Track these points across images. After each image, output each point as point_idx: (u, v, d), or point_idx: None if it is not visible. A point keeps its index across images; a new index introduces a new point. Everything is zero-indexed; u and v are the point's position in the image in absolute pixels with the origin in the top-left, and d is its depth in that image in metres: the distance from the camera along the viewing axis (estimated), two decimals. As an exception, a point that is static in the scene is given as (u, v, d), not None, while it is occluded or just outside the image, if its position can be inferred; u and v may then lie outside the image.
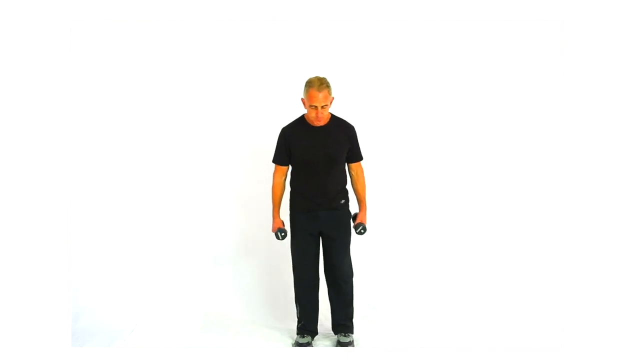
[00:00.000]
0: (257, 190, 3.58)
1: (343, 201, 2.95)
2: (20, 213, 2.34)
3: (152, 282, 3.30)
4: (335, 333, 2.97)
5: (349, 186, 3.00)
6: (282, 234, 2.98)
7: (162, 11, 3.27)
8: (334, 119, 2.92)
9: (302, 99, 2.87)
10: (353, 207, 3.03)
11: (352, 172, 3.00)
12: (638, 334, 2.40)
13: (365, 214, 3.00)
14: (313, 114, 2.82)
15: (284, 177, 2.99)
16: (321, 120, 2.84)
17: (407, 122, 3.63)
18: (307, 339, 2.98)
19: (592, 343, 2.45)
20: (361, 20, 3.48)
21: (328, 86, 2.78)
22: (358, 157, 2.98)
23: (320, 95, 2.75)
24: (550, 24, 3.39)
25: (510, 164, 3.62)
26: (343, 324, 2.97)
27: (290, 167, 2.99)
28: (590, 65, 2.55)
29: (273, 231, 2.99)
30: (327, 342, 2.99)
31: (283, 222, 3.00)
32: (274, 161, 2.98)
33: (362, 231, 2.94)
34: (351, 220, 3.00)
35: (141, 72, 3.42)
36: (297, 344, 2.96)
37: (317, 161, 2.85)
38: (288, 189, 3.02)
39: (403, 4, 3.37)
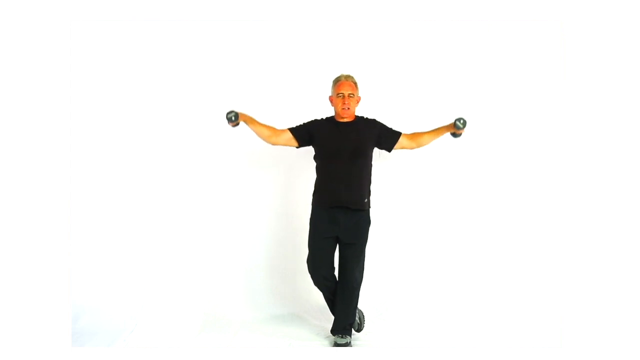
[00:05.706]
0: (256, 189, 3.60)
1: (366, 200, 2.92)
2: (21, 213, 2.34)
3: (152, 282, 3.30)
4: (333, 334, 2.97)
5: (372, 187, 2.98)
6: (230, 114, 2.73)
7: (165, 11, 3.27)
8: (359, 117, 2.98)
9: (329, 98, 2.98)
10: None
11: (408, 143, 3.00)
12: (638, 334, 2.40)
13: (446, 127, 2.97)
14: (340, 103, 2.87)
15: (279, 135, 2.91)
16: (348, 111, 2.88)
17: (407, 123, 3.62)
18: None
19: (592, 343, 2.45)
20: (359, 21, 3.48)
21: (355, 81, 2.93)
22: (397, 134, 2.97)
23: (347, 84, 2.89)
24: (550, 24, 3.39)
25: (509, 165, 3.62)
26: (342, 327, 2.96)
27: (299, 147, 2.99)
28: (590, 64, 2.55)
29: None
30: (325, 342, 2.99)
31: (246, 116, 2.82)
32: (290, 128, 2.93)
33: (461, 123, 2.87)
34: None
35: (145, 72, 3.41)
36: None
37: (342, 152, 2.85)
38: (310, 189, 3.00)
39: (403, 4, 3.37)
